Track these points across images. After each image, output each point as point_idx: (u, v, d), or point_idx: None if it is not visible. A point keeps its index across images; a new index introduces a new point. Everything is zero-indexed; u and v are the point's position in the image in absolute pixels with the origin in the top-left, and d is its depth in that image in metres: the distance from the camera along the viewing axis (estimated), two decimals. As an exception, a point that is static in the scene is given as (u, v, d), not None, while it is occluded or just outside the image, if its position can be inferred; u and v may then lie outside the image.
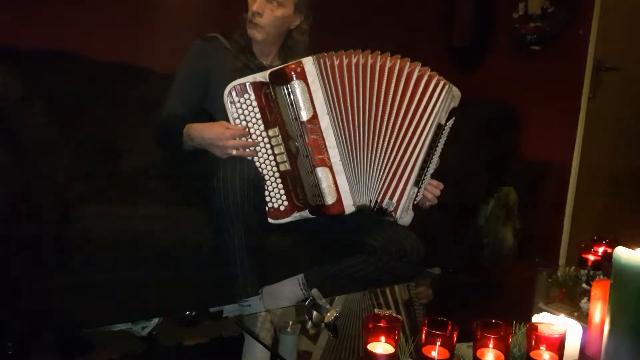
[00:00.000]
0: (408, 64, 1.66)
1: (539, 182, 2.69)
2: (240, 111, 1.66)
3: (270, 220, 1.70)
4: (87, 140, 2.05)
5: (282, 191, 1.69)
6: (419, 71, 1.66)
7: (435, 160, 1.77)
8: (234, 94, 1.65)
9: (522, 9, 2.72)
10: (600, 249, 1.57)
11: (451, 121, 1.75)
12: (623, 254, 1.02)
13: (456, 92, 1.72)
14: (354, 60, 1.63)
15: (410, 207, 1.74)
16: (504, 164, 2.55)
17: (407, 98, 1.66)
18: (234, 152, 1.65)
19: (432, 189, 1.81)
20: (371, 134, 1.66)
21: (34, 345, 1.67)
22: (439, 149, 1.75)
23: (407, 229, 1.77)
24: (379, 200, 1.70)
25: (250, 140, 1.66)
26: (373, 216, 1.72)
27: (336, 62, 1.61)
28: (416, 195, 1.74)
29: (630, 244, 1.06)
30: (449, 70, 3.08)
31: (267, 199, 1.68)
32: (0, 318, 1.51)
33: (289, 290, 1.73)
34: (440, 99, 1.66)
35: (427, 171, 1.74)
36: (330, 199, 1.63)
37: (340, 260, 1.75)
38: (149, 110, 1.89)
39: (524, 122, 2.58)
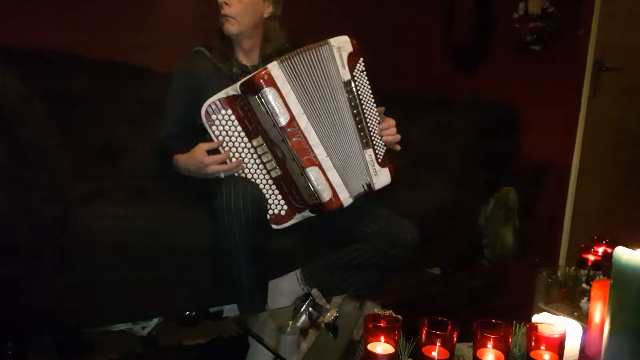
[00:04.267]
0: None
1: (539, 182, 2.69)
2: (220, 128, 1.64)
3: (273, 226, 1.70)
4: (87, 140, 2.05)
5: (280, 196, 1.69)
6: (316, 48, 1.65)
7: (373, 116, 1.74)
8: (210, 113, 1.63)
9: (522, 9, 2.72)
10: (600, 249, 1.57)
11: (359, 65, 1.70)
12: (623, 254, 1.02)
13: (337, 40, 1.67)
14: (310, 55, 1.62)
15: (377, 168, 1.73)
16: (504, 164, 2.55)
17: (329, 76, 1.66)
18: (222, 173, 1.64)
19: (388, 132, 1.78)
20: (338, 120, 1.67)
21: (34, 345, 1.67)
22: (367, 103, 1.72)
23: (401, 215, 1.76)
24: (369, 182, 1.71)
25: (230, 154, 1.64)
26: (365, 204, 1.73)
27: (298, 60, 1.61)
28: (376, 155, 1.73)
29: (630, 244, 1.06)
30: (449, 70, 3.12)
31: (267, 207, 1.68)
32: (0, 318, 1.51)
33: (287, 286, 1.73)
34: (324, 59, 1.65)
35: (369, 130, 1.72)
36: (326, 196, 1.63)
37: (335, 251, 1.74)
38: (150, 110, 1.89)
39: (524, 122, 2.57)
